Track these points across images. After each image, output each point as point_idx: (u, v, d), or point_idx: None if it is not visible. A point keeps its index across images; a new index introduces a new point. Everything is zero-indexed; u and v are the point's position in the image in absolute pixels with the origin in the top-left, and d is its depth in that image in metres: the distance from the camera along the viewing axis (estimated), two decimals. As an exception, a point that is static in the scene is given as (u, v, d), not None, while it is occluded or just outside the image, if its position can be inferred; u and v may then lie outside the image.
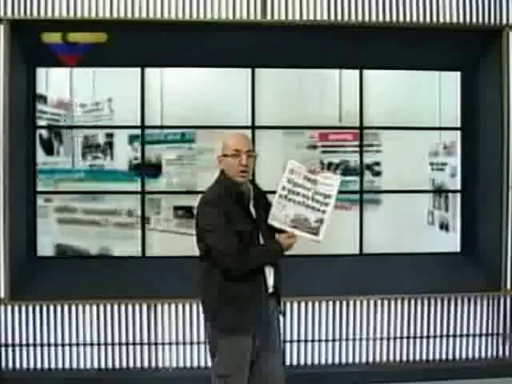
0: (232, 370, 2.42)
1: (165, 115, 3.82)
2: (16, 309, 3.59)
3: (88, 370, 3.64)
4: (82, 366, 3.64)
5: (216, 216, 2.34)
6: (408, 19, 3.65)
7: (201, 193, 2.53)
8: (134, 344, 3.66)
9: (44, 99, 3.77)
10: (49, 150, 3.79)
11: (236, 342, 2.41)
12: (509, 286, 3.71)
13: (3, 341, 3.60)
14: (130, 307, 3.64)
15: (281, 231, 2.46)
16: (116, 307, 3.64)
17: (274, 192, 2.50)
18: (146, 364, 3.67)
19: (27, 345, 3.62)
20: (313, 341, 3.73)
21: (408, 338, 3.78)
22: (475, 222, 3.92)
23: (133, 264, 3.74)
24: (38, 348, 3.63)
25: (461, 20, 3.68)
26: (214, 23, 3.56)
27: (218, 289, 2.40)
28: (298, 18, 3.60)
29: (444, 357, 3.80)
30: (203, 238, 2.41)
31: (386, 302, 3.76)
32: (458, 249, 3.99)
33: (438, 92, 3.97)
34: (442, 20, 3.67)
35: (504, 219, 3.66)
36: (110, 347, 3.66)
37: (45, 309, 3.61)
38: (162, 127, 3.81)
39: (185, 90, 3.82)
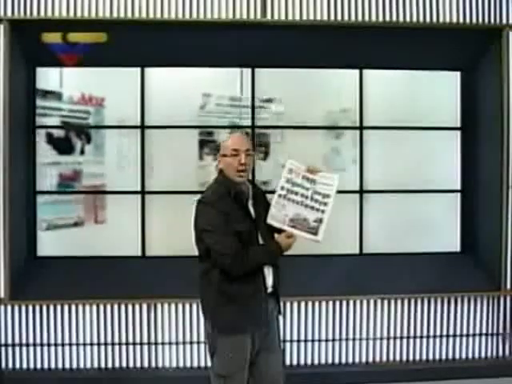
0: (231, 369, 2.42)
1: (165, 115, 3.82)
2: (16, 309, 3.59)
3: (88, 370, 3.64)
4: (81, 365, 3.64)
5: (215, 216, 2.35)
6: (408, 19, 3.65)
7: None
8: (133, 344, 3.67)
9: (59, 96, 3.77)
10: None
11: (235, 341, 2.41)
12: (509, 286, 3.71)
13: (3, 341, 3.61)
14: (129, 307, 3.65)
15: (280, 231, 2.47)
16: (116, 307, 3.64)
17: (272, 192, 2.51)
18: (145, 364, 3.67)
19: (27, 345, 3.62)
20: (313, 341, 3.73)
21: (408, 337, 3.78)
22: (475, 222, 3.93)
23: (133, 264, 3.74)
24: (38, 348, 3.63)
25: (461, 20, 3.68)
26: (214, 23, 3.57)
27: (218, 289, 2.40)
28: (297, 18, 3.61)
29: (444, 357, 3.80)
30: (202, 238, 2.41)
31: (385, 302, 3.76)
32: (458, 249, 3.99)
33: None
34: (441, 20, 3.67)
35: (504, 219, 3.66)
36: (109, 347, 3.66)
37: (45, 309, 3.61)
38: (162, 127, 3.80)
39: (184, 90, 3.81)
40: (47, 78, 3.76)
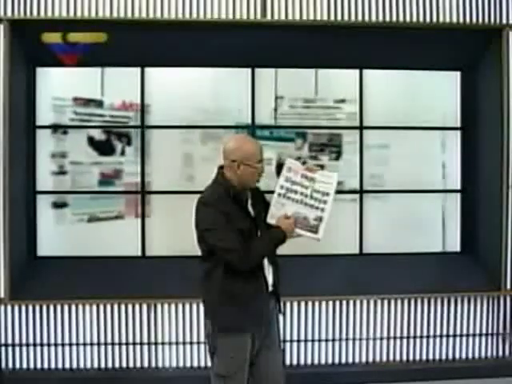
0: (232, 369, 2.42)
1: (165, 115, 3.82)
2: (16, 309, 3.59)
3: (88, 370, 3.64)
4: (82, 365, 3.64)
5: (216, 215, 2.34)
6: (408, 19, 3.65)
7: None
8: (133, 344, 3.66)
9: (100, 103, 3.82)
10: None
11: (236, 341, 2.41)
12: (509, 286, 3.71)
13: (3, 341, 3.60)
14: (129, 307, 3.64)
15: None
16: (116, 307, 3.64)
17: (271, 192, 2.51)
18: (145, 364, 3.67)
19: (27, 345, 3.62)
20: (313, 341, 3.73)
21: (408, 337, 3.78)
22: (475, 222, 3.92)
23: (133, 264, 3.74)
24: (38, 348, 3.63)
25: (461, 20, 3.68)
26: (214, 23, 3.57)
27: (220, 288, 2.39)
28: (298, 18, 3.61)
29: (444, 357, 3.80)
30: (204, 238, 2.40)
31: (385, 302, 3.76)
32: (458, 249, 3.99)
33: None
34: (441, 20, 3.67)
35: (504, 219, 3.66)
36: (109, 347, 3.66)
37: (45, 309, 3.61)
38: (162, 127, 3.81)
39: (185, 90, 3.81)
40: (89, 86, 3.79)
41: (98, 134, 3.81)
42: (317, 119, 3.90)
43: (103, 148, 3.83)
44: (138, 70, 3.79)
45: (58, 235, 3.80)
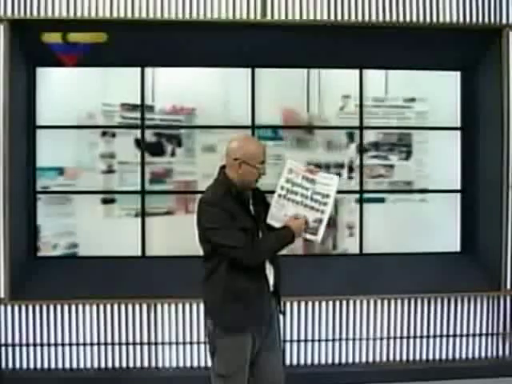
0: (232, 369, 2.42)
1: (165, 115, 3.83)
2: (16, 309, 3.59)
3: (88, 370, 3.64)
4: (82, 365, 3.64)
5: (219, 214, 2.35)
6: (408, 19, 3.65)
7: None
8: (133, 344, 3.66)
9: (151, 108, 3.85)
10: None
11: (236, 341, 2.42)
12: (509, 286, 3.71)
13: (3, 341, 3.61)
14: (129, 307, 3.65)
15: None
16: (116, 307, 3.64)
17: (272, 192, 2.52)
18: (145, 364, 3.67)
19: (27, 345, 3.62)
20: (313, 341, 3.73)
21: (408, 337, 3.78)
22: (475, 222, 3.92)
23: (133, 264, 3.74)
24: (38, 348, 3.63)
25: (461, 20, 3.68)
26: (214, 23, 3.57)
27: (223, 288, 2.39)
28: (297, 18, 3.61)
29: (444, 357, 3.80)
30: (207, 237, 2.40)
31: (385, 302, 3.76)
32: (458, 249, 3.99)
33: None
34: (441, 20, 3.67)
35: (504, 219, 3.66)
36: (109, 347, 3.66)
37: (45, 309, 3.61)
38: (162, 127, 3.81)
39: (185, 90, 3.81)
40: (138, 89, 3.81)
41: (148, 137, 3.84)
42: (385, 118, 3.94)
43: (150, 149, 3.86)
44: (185, 72, 3.83)
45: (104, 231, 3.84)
